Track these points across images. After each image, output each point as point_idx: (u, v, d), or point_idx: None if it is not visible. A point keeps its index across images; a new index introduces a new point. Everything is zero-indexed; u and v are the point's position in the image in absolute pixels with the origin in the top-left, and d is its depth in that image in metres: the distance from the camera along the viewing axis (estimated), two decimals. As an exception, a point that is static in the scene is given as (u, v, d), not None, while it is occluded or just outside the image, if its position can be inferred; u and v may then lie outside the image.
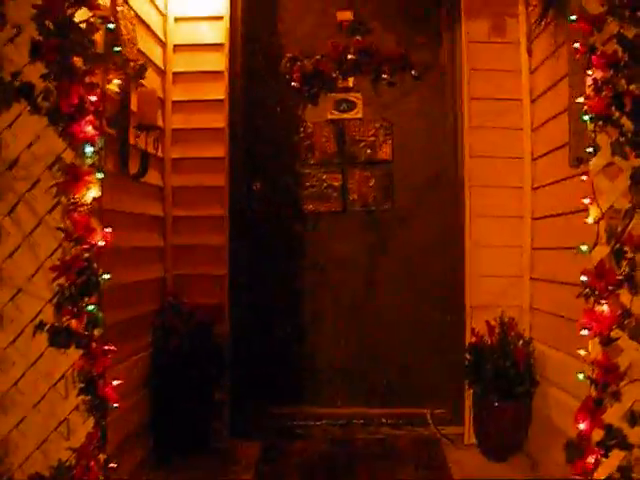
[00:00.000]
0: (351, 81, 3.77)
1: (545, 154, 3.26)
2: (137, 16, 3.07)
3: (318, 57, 3.73)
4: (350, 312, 3.76)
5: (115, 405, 2.10)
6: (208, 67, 3.57)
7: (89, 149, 2.11)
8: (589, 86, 2.11)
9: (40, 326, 2.01)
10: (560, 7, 2.88)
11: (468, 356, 3.31)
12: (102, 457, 2.05)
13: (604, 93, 2.08)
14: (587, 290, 2.09)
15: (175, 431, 3.23)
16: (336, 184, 3.75)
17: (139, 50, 3.06)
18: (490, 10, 3.53)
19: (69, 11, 2.08)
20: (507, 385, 3.15)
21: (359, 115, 3.77)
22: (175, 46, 3.57)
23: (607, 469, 1.95)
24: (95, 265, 2.12)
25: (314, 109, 3.79)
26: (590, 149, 2.10)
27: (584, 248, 2.11)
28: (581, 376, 2.09)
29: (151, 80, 3.32)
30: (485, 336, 3.32)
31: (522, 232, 3.45)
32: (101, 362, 2.12)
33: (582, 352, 2.11)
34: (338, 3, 3.78)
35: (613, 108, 2.06)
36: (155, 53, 3.41)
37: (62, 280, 2.01)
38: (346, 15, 3.74)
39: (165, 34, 3.54)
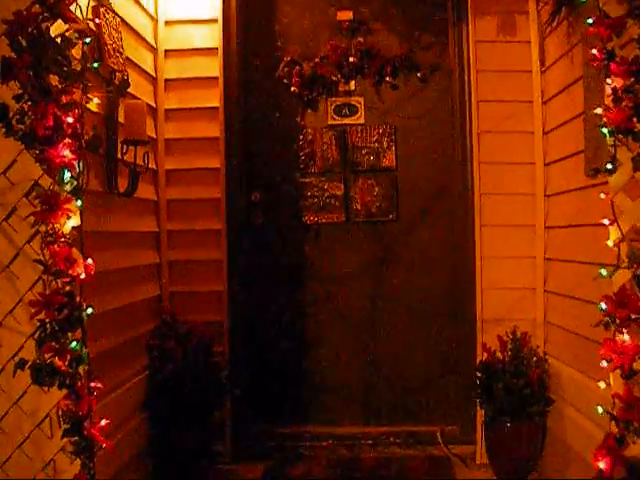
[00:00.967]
0: (353, 84, 3.58)
1: (558, 160, 3.09)
2: (124, 22, 2.90)
3: (317, 60, 3.55)
4: (355, 326, 3.59)
5: (103, 446, 1.98)
6: (202, 73, 3.41)
7: (67, 174, 1.97)
8: (608, 96, 1.94)
9: (21, 363, 1.90)
10: (574, 4, 2.69)
11: (479, 374, 3.16)
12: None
13: (624, 103, 1.91)
14: (607, 318, 1.93)
15: (174, 456, 3.10)
16: (338, 193, 3.58)
17: (127, 58, 2.90)
18: (498, 7, 3.34)
19: (43, 25, 1.94)
20: (520, 404, 3.00)
21: (361, 120, 3.59)
22: (166, 51, 3.40)
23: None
24: (78, 298, 2.00)
25: (314, 115, 3.61)
26: (609, 165, 1.94)
27: (604, 272, 1.95)
28: (600, 409, 1.94)
29: (142, 88, 3.17)
30: (497, 351, 3.17)
31: (535, 242, 3.28)
32: (87, 401, 1.99)
33: (602, 385, 1.95)
34: (338, 2, 3.59)
35: (635, 120, 1.89)
36: (145, 60, 3.24)
37: (43, 315, 1.88)
38: (347, 15, 3.55)
39: (156, 39, 3.37)
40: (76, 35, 2.05)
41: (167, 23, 3.41)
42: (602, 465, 1.86)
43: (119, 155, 2.74)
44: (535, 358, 3.14)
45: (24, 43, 1.91)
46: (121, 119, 2.75)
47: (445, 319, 3.52)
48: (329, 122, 3.59)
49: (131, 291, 2.97)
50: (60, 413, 1.95)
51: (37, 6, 1.90)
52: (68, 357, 1.94)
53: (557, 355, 3.10)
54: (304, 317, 3.60)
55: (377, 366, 3.59)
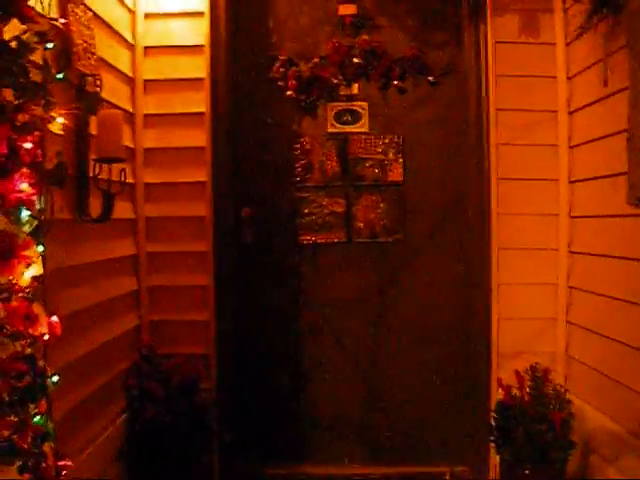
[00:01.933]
0: (356, 88, 3.19)
1: (589, 179, 2.77)
2: (96, 16, 2.49)
3: (317, 60, 3.15)
4: (355, 358, 3.24)
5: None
6: (186, 73, 3.00)
7: (25, 213, 1.60)
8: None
9: (-24, 439, 1.55)
10: (620, 3, 2.35)
11: (495, 416, 2.85)
12: None
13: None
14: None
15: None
16: (339, 210, 3.21)
17: (100, 59, 2.50)
18: (520, 4, 2.99)
19: (-6, 27, 1.56)
20: (542, 450, 2.72)
21: (365, 128, 3.20)
22: (146, 48, 2.99)
23: None
24: (41, 363, 1.65)
25: (312, 121, 3.21)
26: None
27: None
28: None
29: (117, 92, 2.77)
30: (513, 387, 2.88)
31: (557, 268, 2.97)
32: (54, 483, 1.65)
33: None
34: (340, -6, 3.22)
35: None
36: (121, 59, 2.83)
37: None
38: (350, 9, 3.16)
39: (134, 34, 2.96)
40: (36, 38, 1.66)
41: (147, 16, 2.99)
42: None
43: (91, 173, 2.34)
44: (558, 398, 2.85)
45: (-30, 49, 1.54)
46: (94, 131, 2.35)
47: (456, 351, 3.19)
48: (329, 130, 3.21)
49: (105, 328, 2.59)
50: (23, 501, 1.61)
51: (-16, 3, 1.51)
52: (30, 434, 1.60)
53: (580, 394, 2.81)
54: (299, 347, 3.24)
55: (379, 401, 3.24)
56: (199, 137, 2.99)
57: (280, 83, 3.18)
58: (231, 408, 3.10)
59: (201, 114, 2.99)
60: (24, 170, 1.58)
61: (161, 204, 3.00)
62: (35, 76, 1.68)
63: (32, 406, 1.62)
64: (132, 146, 2.94)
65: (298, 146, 3.21)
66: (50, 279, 1.82)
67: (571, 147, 2.94)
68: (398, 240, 3.20)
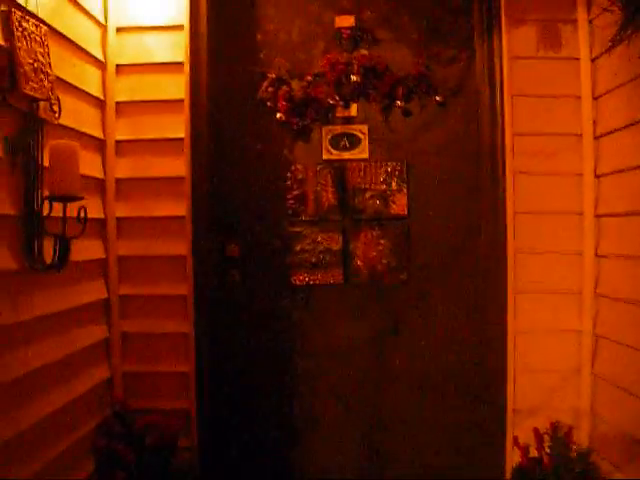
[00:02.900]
0: (354, 109, 2.86)
1: (619, 215, 2.43)
2: (54, 31, 2.18)
3: (310, 78, 2.82)
4: (355, 413, 2.87)
5: None
6: (163, 94, 2.68)
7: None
8: None
9: None
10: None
11: (513, 482, 2.52)
12: None
13: None
14: None
15: None
16: (335, 247, 2.87)
17: (59, 79, 2.18)
18: (539, 15, 2.66)
19: None
20: (564, 522, 2.38)
21: (365, 154, 2.87)
22: (118, 66, 2.67)
23: None
24: None
25: (306, 147, 2.88)
26: None
27: None
28: None
29: (83, 116, 2.45)
30: (530, 447, 2.54)
31: (582, 313, 2.63)
32: None
33: None
34: (336, 5, 2.87)
35: None
36: (89, 78, 2.51)
37: None
38: (347, 21, 2.83)
39: (104, 51, 2.64)
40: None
41: (119, 30, 2.67)
42: None
43: (43, 213, 2.02)
44: (583, 461, 2.51)
45: None
46: (46, 162, 2.03)
47: (466, 407, 2.82)
48: (324, 157, 2.87)
49: (69, 385, 2.27)
50: None
51: None
52: None
53: (606, 456, 2.47)
54: (293, 401, 2.88)
55: (381, 462, 2.88)
56: (178, 166, 2.67)
57: (269, 104, 2.84)
58: (214, 468, 2.76)
59: (180, 140, 2.66)
60: None
61: (135, 241, 2.67)
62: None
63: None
64: (102, 177, 2.62)
65: (290, 175, 2.87)
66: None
67: (597, 176, 2.61)
68: (401, 282, 2.84)
